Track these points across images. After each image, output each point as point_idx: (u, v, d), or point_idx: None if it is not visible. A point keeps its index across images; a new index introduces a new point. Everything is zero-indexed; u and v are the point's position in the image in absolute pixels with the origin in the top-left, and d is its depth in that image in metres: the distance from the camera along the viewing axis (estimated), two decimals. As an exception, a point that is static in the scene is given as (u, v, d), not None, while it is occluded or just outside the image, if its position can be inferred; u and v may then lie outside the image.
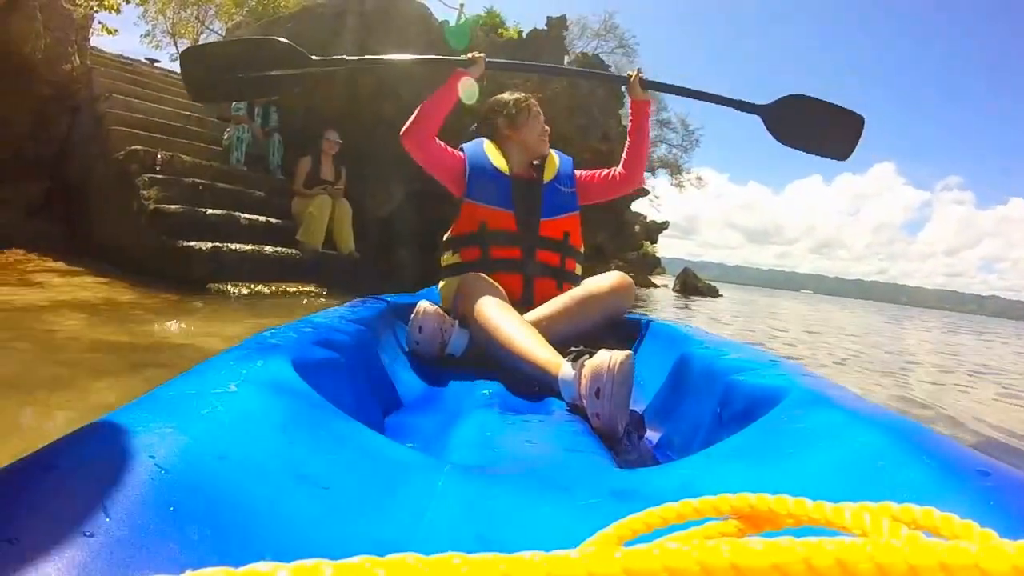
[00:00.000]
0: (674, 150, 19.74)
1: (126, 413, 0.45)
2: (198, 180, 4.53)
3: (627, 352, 0.93)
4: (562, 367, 1.00)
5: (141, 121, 5.08)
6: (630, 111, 1.76)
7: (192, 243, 3.88)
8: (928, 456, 0.47)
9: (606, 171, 1.72)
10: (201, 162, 4.93)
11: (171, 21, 15.22)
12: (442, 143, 1.56)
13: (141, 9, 13.68)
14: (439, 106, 1.54)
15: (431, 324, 1.30)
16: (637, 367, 1.02)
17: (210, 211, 4.27)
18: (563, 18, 8.29)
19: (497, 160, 1.56)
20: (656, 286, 14.82)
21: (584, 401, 0.91)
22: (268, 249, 4.31)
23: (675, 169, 19.83)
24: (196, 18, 14.68)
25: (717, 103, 1.89)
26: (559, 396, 0.99)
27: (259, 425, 0.47)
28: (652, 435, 1.06)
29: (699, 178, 20.30)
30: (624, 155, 1.72)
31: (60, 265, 3.66)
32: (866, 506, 0.26)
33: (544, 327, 1.27)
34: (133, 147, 4.47)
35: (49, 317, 2.55)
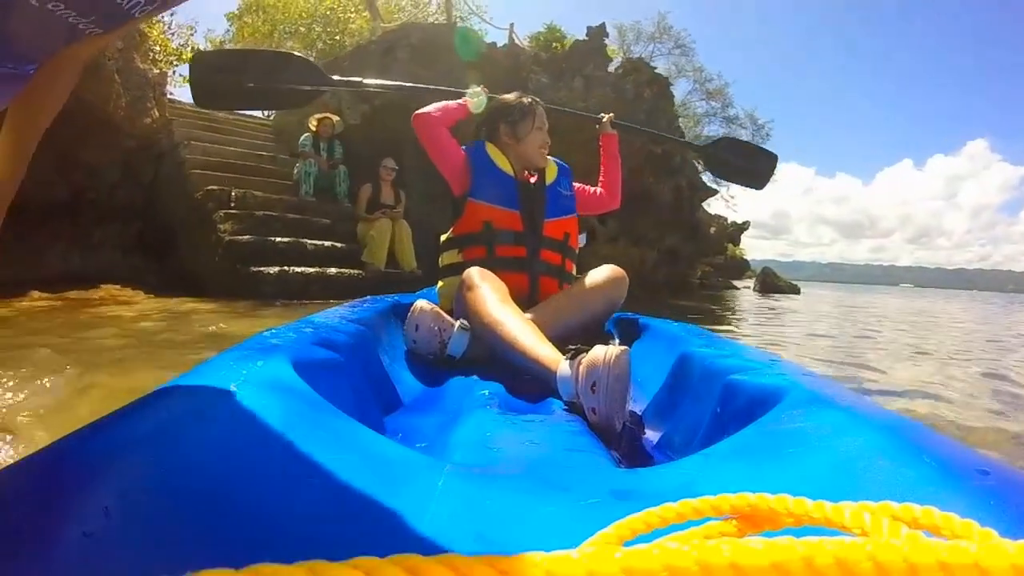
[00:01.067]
0: None
1: (126, 414, 0.45)
2: (268, 212, 5.20)
3: (623, 347, 0.93)
4: (560, 364, 1.00)
5: (217, 163, 5.85)
6: (601, 143, 1.88)
7: (261, 268, 4.49)
8: (928, 456, 0.47)
9: (592, 188, 1.83)
10: (271, 196, 5.56)
11: (247, 67, 16.15)
12: (451, 136, 1.59)
13: (219, 59, 14.89)
14: (448, 113, 1.60)
15: (428, 323, 1.30)
16: (637, 366, 1.02)
17: (278, 239, 4.91)
18: (602, 27, 8.51)
19: (501, 161, 1.58)
20: (736, 287, 14.47)
21: (581, 397, 0.91)
22: (332, 271, 4.90)
23: None
24: (270, 63, 15.53)
25: (671, 142, 2.20)
26: (558, 394, 0.99)
27: (259, 425, 0.47)
28: (652, 435, 1.06)
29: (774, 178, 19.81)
30: (601, 179, 1.85)
31: (150, 297, 4.25)
32: (866, 506, 0.26)
33: (545, 323, 1.27)
34: (210, 187, 5.14)
35: (142, 322, 3.12)
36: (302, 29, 12.66)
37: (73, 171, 2.58)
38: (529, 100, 1.66)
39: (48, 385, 1.76)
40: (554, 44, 8.78)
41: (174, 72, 8.72)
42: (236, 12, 14.79)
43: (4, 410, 1.54)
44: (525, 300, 1.42)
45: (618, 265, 1.55)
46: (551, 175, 1.64)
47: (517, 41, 10.12)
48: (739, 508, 0.28)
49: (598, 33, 8.25)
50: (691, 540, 0.17)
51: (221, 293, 4.27)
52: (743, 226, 17.35)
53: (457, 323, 1.30)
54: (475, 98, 1.64)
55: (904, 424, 0.56)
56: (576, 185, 1.74)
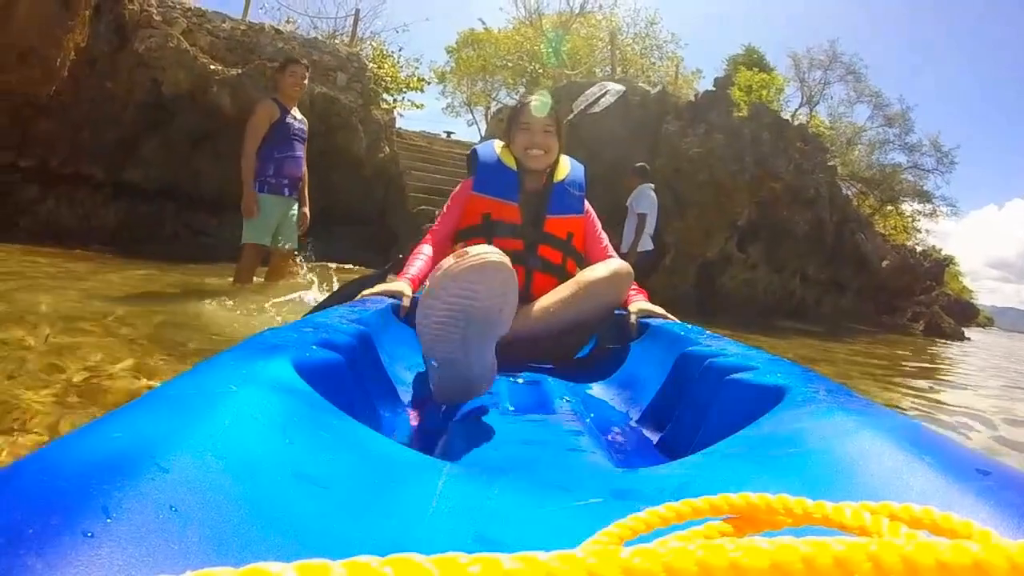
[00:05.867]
0: (930, 175, 17.59)
1: (126, 413, 0.45)
2: (460, 226, 7.24)
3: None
4: None
5: (428, 188, 8.20)
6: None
7: (449, 265, 6.43)
8: (928, 456, 0.47)
9: (602, 242, 1.65)
10: (465, 214, 8.06)
11: (466, 94, 19.13)
12: (448, 232, 1.56)
13: (442, 86, 18.74)
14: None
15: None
16: (637, 366, 1.02)
17: (463, 245, 6.96)
18: (728, 78, 9.72)
19: (505, 157, 1.59)
20: (914, 331, 12.54)
21: None
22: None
23: (923, 197, 17.66)
24: (484, 91, 18.36)
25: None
26: (560, 393, 0.99)
27: (259, 425, 0.47)
28: (652, 435, 1.06)
29: (953, 205, 17.90)
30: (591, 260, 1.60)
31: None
32: (866, 505, 0.26)
33: (543, 315, 1.28)
34: (422, 207, 7.39)
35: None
36: (510, 64, 14.98)
37: (328, 192, 3.87)
38: (525, 101, 1.61)
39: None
40: (757, 71, 10.24)
41: (403, 98, 11.59)
42: (455, 46, 17.72)
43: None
44: (520, 294, 1.39)
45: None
46: (561, 173, 1.62)
47: (683, 79, 12.18)
48: (739, 508, 0.28)
49: (724, 83, 9.26)
50: (691, 540, 0.17)
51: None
52: (943, 261, 14.87)
53: None
54: (538, 100, 1.58)
55: (904, 424, 0.56)
56: (590, 210, 1.67)
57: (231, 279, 3.44)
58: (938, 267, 14.17)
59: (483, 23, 16.80)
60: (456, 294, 0.82)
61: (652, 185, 5.56)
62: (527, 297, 1.46)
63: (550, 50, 14.10)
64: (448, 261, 0.83)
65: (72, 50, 5.06)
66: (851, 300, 10.02)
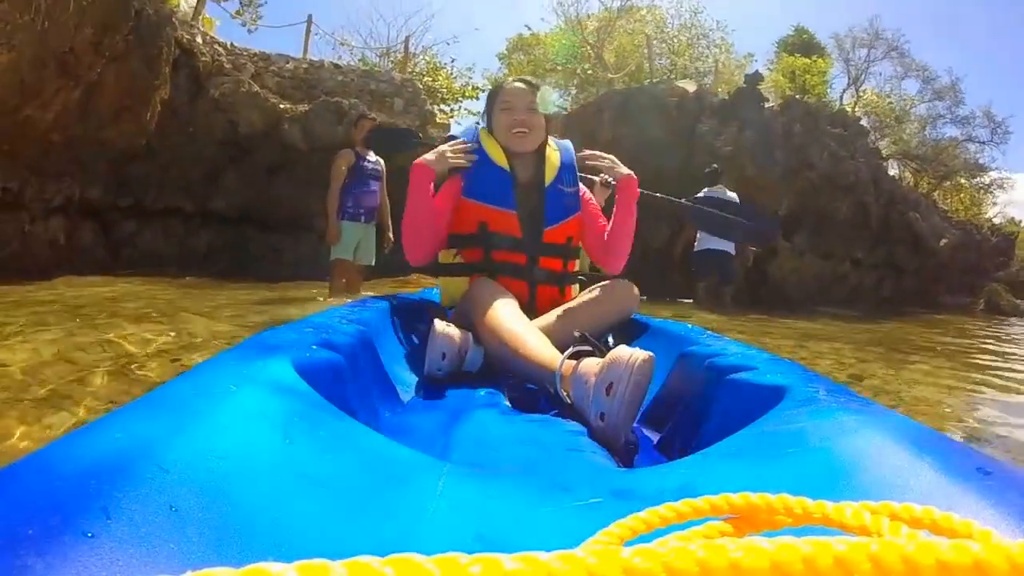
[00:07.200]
0: (985, 148, 16.87)
1: (126, 413, 0.45)
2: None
3: (650, 353, 0.85)
4: (559, 361, 0.98)
5: None
6: (617, 189, 1.56)
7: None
8: (929, 456, 0.47)
9: (601, 221, 1.56)
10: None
11: (520, 98, 19.33)
12: (439, 209, 1.44)
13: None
14: (423, 214, 1.41)
15: (452, 345, 1.20)
16: None
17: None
18: (757, 74, 9.77)
19: (495, 154, 1.45)
20: (978, 306, 11.77)
21: (590, 398, 0.85)
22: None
23: (976, 170, 17.06)
24: (536, 94, 18.79)
25: (662, 200, 2.07)
26: (557, 396, 0.98)
27: (259, 425, 0.47)
28: (652, 435, 1.06)
29: (1009, 178, 17.27)
30: (608, 231, 1.55)
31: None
32: (866, 505, 0.26)
33: (552, 330, 1.24)
34: None
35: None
36: (559, 68, 15.15)
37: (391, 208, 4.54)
38: (507, 80, 1.53)
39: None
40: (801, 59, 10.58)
41: (459, 107, 12.06)
42: (505, 52, 17.89)
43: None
44: (524, 308, 1.34)
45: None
46: (551, 172, 1.47)
47: (735, 64, 12.78)
48: (739, 508, 0.28)
49: (754, 79, 9.33)
50: (691, 540, 0.17)
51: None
52: (1011, 234, 13.67)
53: (470, 335, 1.24)
54: (519, 80, 1.50)
55: (904, 424, 0.56)
56: (586, 194, 1.56)
57: (326, 292, 4.37)
58: (1007, 241, 12.93)
59: (529, 29, 16.81)
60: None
61: (713, 188, 5.49)
62: (531, 308, 1.40)
63: (583, 48, 14.14)
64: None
65: (158, 103, 5.78)
66: (913, 281, 9.82)
